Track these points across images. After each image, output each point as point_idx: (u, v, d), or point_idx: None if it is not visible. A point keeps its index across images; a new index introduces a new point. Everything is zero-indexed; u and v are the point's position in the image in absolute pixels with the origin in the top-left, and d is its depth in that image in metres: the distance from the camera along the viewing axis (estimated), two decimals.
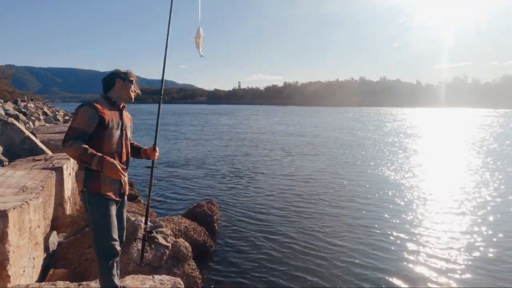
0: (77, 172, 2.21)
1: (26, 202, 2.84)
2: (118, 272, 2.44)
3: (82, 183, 2.18)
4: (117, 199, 2.29)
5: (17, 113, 15.72)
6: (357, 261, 4.97)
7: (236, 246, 5.67)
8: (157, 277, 2.62)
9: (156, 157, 2.60)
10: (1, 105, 18.98)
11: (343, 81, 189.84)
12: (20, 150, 6.79)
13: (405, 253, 5.23)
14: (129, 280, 2.59)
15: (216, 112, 70.39)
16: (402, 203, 7.71)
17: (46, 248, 3.93)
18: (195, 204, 6.76)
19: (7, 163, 5.90)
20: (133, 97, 2.43)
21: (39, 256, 3.29)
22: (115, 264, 2.25)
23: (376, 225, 6.37)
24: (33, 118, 17.80)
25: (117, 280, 2.28)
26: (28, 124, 14.19)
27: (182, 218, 6.04)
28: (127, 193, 2.41)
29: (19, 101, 31.15)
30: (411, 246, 5.49)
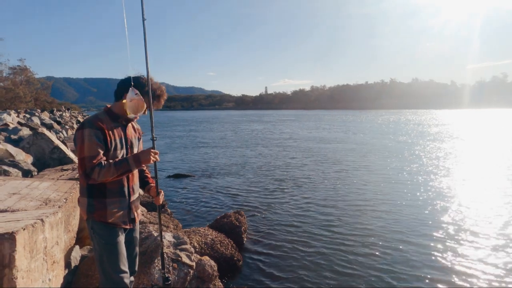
0: (80, 199, 1.97)
1: (41, 219, 2.65)
2: None
3: (85, 211, 1.94)
4: (126, 226, 2.03)
5: (52, 122, 16.29)
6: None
7: (265, 261, 5.33)
8: None
9: (160, 202, 2.26)
10: (38, 114, 19.83)
11: (372, 83, 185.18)
12: (49, 159, 6.83)
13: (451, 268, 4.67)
14: None
15: (244, 118, 70.47)
16: (459, 216, 7.04)
17: (68, 264, 3.76)
18: (222, 215, 6.49)
19: (36, 173, 5.91)
20: (132, 115, 2.00)
21: (58, 275, 3.10)
22: None
23: (419, 240, 5.80)
24: (67, 127, 18.42)
25: None
26: (61, 133, 14.62)
27: (209, 229, 5.78)
28: (138, 218, 2.15)
29: (54, 111, 32.66)
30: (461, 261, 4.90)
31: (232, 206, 8.10)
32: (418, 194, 8.65)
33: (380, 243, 5.68)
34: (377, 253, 5.32)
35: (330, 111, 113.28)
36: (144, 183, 2.26)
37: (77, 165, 6.63)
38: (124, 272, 1.96)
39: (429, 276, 4.56)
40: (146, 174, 2.29)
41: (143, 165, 1.96)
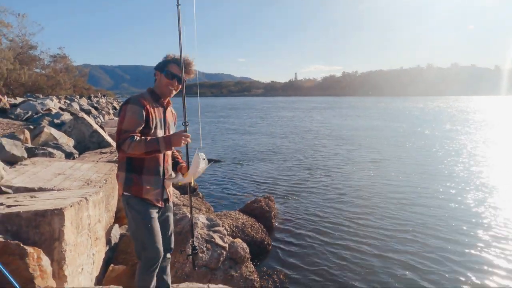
0: (118, 174, 2.04)
1: (85, 198, 2.80)
2: (168, 277, 2.28)
3: (122, 186, 2.02)
4: (159, 205, 2.08)
5: (90, 108, 17.03)
6: (424, 267, 4.35)
7: (295, 244, 5.38)
8: (212, 286, 2.39)
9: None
10: (77, 100, 20.78)
11: (407, 69, 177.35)
12: (89, 143, 7.17)
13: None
14: (183, 286, 2.41)
15: (273, 105, 70.06)
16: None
17: (108, 241, 3.97)
18: (252, 200, 6.57)
19: (77, 156, 6.23)
20: (168, 95, 2.11)
21: (100, 251, 3.29)
22: (154, 274, 2.07)
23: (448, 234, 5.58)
24: (103, 112, 19.20)
25: None
26: (98, 118, 15.27)
27: (240, 213, 5.88)
28: (171, 198, 2.20)
29: (92, 97, 34.08)
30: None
31: (261, 191, 8.16)
32: (463, 189, 8.05)
33: (414, 240, 5.36)
34: (407, 250, 5.05)
35: (362, 98, 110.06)
36: (175, 163, 2.29)
37: (114, 148, 6.92)
38: (156, 248, 2.01)
39: (465, 277, 4.33)
40: (176, 155, 2.33)
41: (173, 148, 1.98)
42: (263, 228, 5.53)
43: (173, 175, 2.21)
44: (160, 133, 2.05)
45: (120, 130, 1.90)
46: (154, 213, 2.05)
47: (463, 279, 4.23)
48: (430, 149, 13.80)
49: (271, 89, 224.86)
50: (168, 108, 2.17)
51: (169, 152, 2.16)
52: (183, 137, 1.92)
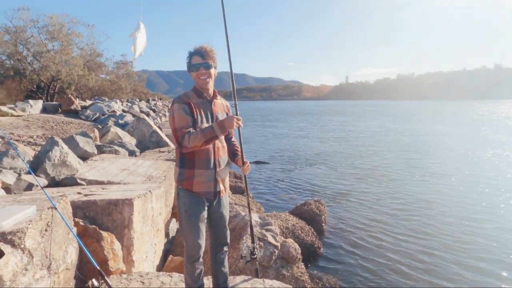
0: (174, 169, 2.17)
1: (150, 191, 3.02)
2: (225, 268, 2.30)
3: (176, 180, 2.13)
4: (210, 197, 2.13)
5: (148, 110, 18.13)
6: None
7: (345, 249, 5.27)
8: (267, 281, 2.44)
9: (247, 172, 2.32)
10: (137, 103, 22.23)
11: (471, 70, 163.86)
12: (149, 142, 7.66)
13: None
14: (239, 279, 2.49)
15: (323, 108, 68.72)
16: None
17: (167, 234, 4.22)
18: (302, 202, 6.54)
19: (138, 154, 6.69)
20: (204, 86, 2.14)
21: (160, 242, 3.51)
22: (196, 265, 2.12)
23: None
24: (160, 114, 20.34)
25: (196, 282, 2.15)
26: (156, 120, 16.23)
27: (290, 215, 5.89)
28: (224, 192, 2.22)
29: (150, 100, 36.22)
30: None
31: (311, 194, 8.09)
32: None
33: (469, 257, 4.93)
34: (471, 262, 4.75)
35: (420, 101, 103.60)
36: (234, 155, 2.34)
37: (171, 148, 7.30)
38: (197, 240, 2.06)
39: None
40: (236, 148, 2.37)
41: (228, 130, 2.05)
42: (313, 231, 5.49)
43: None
44: (207, 125, 2.11)
45: (175, 129, 2.01)
46: (202, 207, 2.10)
47: None
48: (504, 160, 12.45)
49: (321, 93, 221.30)
50: (215, 100, 2.22)
51: (220, 145, 2.20)
52: (235, 120, 2.00)
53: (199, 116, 2.08)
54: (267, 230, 3.66)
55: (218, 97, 2.26)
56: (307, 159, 13.03)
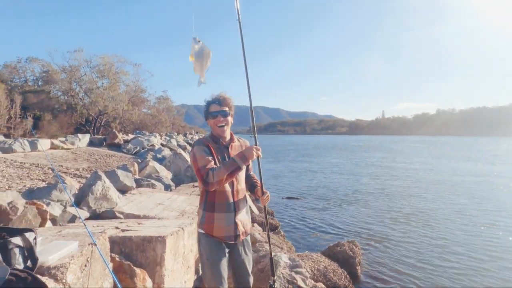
0: (198, 211, 2.25)
1: (182, 228, 3.12)
2: None
3: (198, 222, 2.20)
4: (230, 241, 2.16)
5: (185, 144, 18.81)
6: None
7: None
8: None
9: (266, 202, 2.34)
10: (175, 137, 23.16)
11: None
12: (184, 176, 7.92)
13: None
14: None
15: (359, 143, 67.16)
16: None
17: (197, 271, 4.24)
18: (335, 243, 6.33)
19: (173, 188, 6.93)
20: (222, 134, 2.24)
21: (190, 279, 3.54)
22: None
23: None
24: None
25: None
26: None
27: (322, 256, 5.70)
28: (244, 235, 2.24)
29: (187, 134, 37.61)
30: None
31: (344, 234, 7.80)
32: None
33: None
34: None
35: (462, 137, 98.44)
36: (253, 187, 2.38)
37: None
38: (221, 286, 2.06)
39: None
40: (255, 180, 2.40)
41: (249, 160, 2.10)
42: (346, 274, 5.25)
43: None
44: None
45: (199, 169, 2.08)
46: (223, 253, 2.12)
47: None
48: None
49: (356, 128, 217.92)
50: (232, 144, 2.29)
51: (239, 187, 2.24)
52: (254, 150, 2.08)
53: (217, 160, 2.15)
54: (296, 272, 3.59)
55: (235, 139, 2.34)
56: (341, 196, 12.68)
